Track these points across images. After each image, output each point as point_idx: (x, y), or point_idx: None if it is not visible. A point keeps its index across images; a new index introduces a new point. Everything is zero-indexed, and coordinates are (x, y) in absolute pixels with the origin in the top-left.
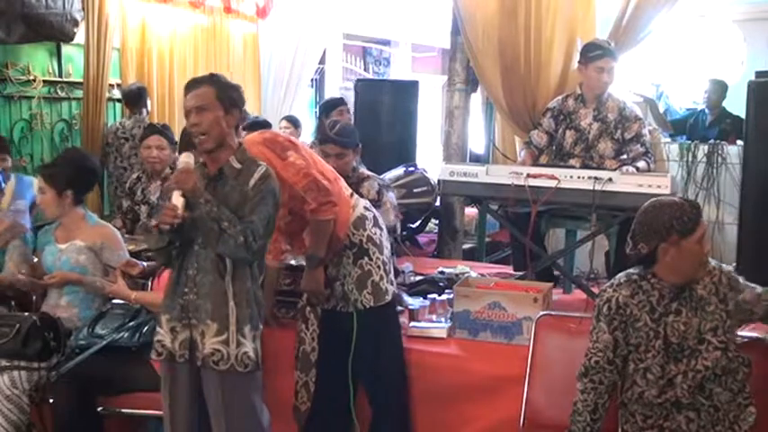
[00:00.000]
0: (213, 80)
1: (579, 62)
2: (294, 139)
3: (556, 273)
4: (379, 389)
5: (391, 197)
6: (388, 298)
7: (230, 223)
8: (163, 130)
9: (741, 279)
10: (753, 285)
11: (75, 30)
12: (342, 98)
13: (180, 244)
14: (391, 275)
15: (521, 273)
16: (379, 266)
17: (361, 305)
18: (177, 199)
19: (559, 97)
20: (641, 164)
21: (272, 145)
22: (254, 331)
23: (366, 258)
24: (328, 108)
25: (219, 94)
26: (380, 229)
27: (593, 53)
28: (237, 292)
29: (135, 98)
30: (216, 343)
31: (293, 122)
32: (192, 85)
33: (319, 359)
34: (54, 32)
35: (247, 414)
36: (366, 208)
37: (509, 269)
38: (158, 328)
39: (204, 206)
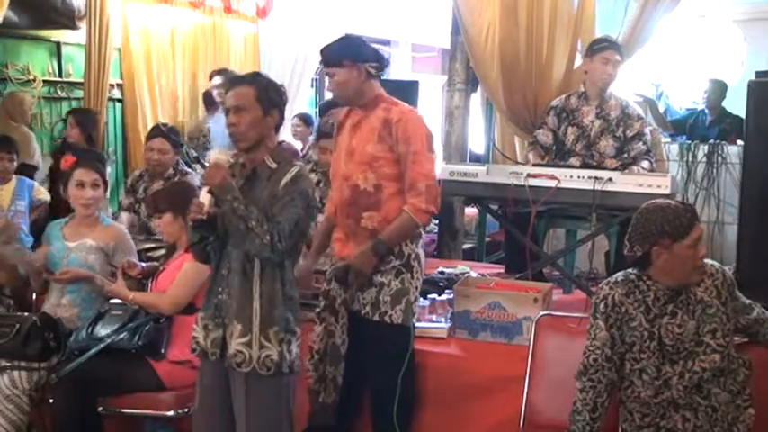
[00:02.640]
0: (255, 80)
1: (585, 56)
2: None
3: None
4: (384, 408)
5: None
6: (414, 321)
7: (257, 222)
8: (167, 133)
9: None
10: (744, 298)
11: (81, 25)
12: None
13: (214, 241)
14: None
15: (519, 273)
16: (416, 287)
17: (389, 319)
18: (204, 195)
19: (562, 96)
20: (644, 164)
21: (430, 136)
22: (281, 334)
23: (409, 275)
24: (325, 109)
25: (259, 95)
26: (423, 252)
27: (599, 45)
28: (264, 293)
29: (211, 100)
30: (239, 344)
31: (305, 120)
32: (233, 82)
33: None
34: (63, 19)
35: (268, 418)
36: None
37: None
38: (194, 326)
39: (231, 203)
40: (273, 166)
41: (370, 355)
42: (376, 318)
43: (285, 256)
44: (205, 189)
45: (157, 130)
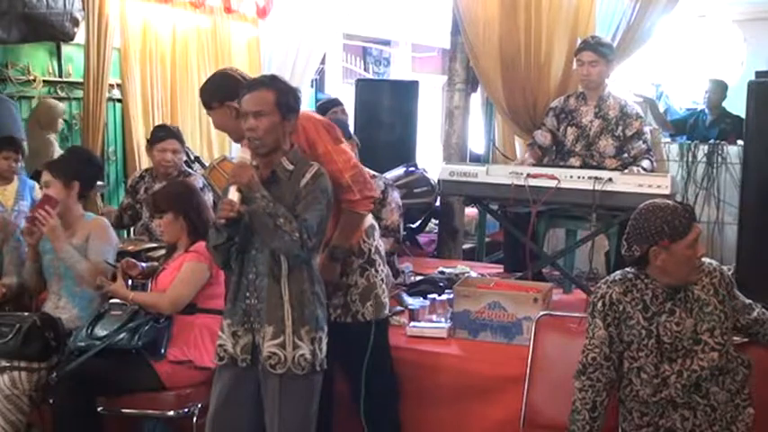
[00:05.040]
0: (274, 84)
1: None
2: None
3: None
4: (368, 403)
5: (396, 197)
6: (387, 313)
7: (286, 219)
8: (177, 133)
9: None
10: (744, 298)
11: (76, 29)
12: (336, 99)
13: (238, 243)
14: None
15: (518, 273)
16: (382, 279)
17: (362, 317)
18: (234, 194)
19: (561, 97)
20: (645, 163)
21: (330, 128)
22: (313, 333)
23: (373, 270)
24: (322, 110)
25: (279, 100)
26: (381, 243)
27: (578, 48)
28: (293, 294)
29: None
30: (273, 346)
31: None
32: (251, 86)
33: None
34: (55, 32)
35: (300, 418)
36: (372, 218)
37: None
38: (220, 333)
39: (260, 201)
40: (291, 167)
41: (350, 356)
42: (348, 319)
43: (312, 253)
44: (233, 187)
45: (168, 131)
